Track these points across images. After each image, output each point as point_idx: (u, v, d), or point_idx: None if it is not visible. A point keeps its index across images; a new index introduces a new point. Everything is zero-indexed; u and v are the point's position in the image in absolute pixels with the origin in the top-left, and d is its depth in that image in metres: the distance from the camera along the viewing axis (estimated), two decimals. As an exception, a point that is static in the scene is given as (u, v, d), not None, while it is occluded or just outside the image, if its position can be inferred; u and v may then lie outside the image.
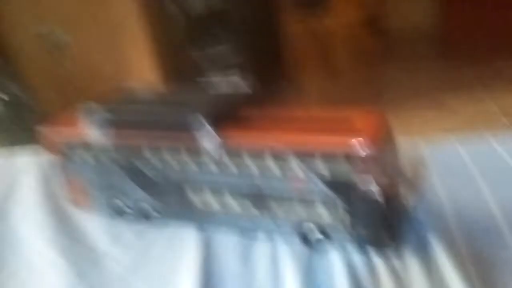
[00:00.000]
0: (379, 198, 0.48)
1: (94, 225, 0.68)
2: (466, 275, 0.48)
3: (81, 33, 2.01)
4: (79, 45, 2.01)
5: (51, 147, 0.68)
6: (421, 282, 0.49)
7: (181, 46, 2.22)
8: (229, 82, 0.62)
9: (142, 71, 2.06)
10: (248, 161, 0.54)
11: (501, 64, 2.25)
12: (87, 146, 0.64)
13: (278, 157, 0.52)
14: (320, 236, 0.54)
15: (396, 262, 0.51)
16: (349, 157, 0.48)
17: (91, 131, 0.62)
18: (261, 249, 0.57)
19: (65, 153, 0.67)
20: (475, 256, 0.51)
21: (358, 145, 0.47)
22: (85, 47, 2.04)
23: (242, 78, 0.62)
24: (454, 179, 0.63)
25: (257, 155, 0.54)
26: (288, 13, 2.56)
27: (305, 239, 0.56)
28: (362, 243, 0.53)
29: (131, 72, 2.08)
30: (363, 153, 0.47)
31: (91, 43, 2.04)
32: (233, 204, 0.58)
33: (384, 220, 0.50)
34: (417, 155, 0.65)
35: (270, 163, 0.53)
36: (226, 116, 0.57)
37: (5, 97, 1.70)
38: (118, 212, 0.68)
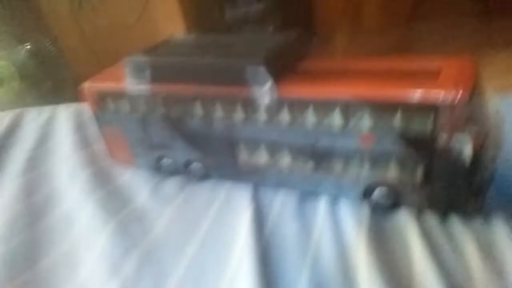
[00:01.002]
0: (465, 156, 0.43)
1: (133, 177, 0.65)
2: None
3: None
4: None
5: (93, 100, 0.64)
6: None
7: (211, 3, 2.15)
8: (287, 35, 0.56)
9: (172, 30, 2.00)
10: (311, 116, 0.49)
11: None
12: (131, 100, 0.60)
13: (346, 109, 0.47)
14: (390, 198, 0.50)
15: (481, 230, 0.46)
16: (433, 109, 0.42)
17: (136, 84, 0.57)
18: (319, 206, 0.53)
19: (107, 106, 0.63)
20: None
21: (445, 94, 0.41)
22: (113, 3, 2.00)
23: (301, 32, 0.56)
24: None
25: (321, 108, 0.48)
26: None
27: (373, 202, 0.51)
28: (440, 208, 0.48)
29: (160, 31, 2.03)
30: (453, 102, 0.41)
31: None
32: (292, 163, 0.54)
33: (468, 181, 0.45)
34: (494, 108, 0.59)
35: (336, 117, 0.48)
36: (287, 66, 0.52)
37: (28, 45, 1.69)
38: (163, 169, 0.64)
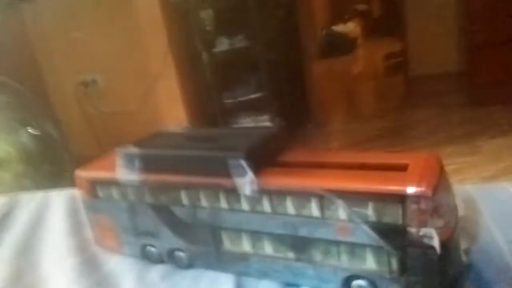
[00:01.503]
0: (436, 245, 0.44)
1: (119, 265, 0.65)
2: None
3: (112, 75, 2.09)
4: (110, 87, 2.09)
5: (84, 188, 0.67)
6: None
7: (210, 92, 2.26)
8: (267, 128, 0.60)
9: (173, 116, 2.10)
10: (290, 206, 0.52)
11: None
12: (121, 188, 0.63)
13: (322, 201, 0.49)
14: (366, 285, 0.50)
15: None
16: (400, 202, 0.44)
17: (126, 173, 0.60)
18: None
19: (97, 194, 0.66)
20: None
21: (413, 188, 0.44)
22: (117, 91, 2.11)
23: (271, 122, 0.61)
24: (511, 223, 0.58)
25: (299, 199, 0.51)
26: (313, 57, 2.60)
27: (351, 292, 0.51)
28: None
29: (161, 116, 2.12)
30: (418, 197, 0.43)
31: (122, 86, 2.11)
32: (273, 252, 0.55)
33: (441, 270, 0.45)
34: (468, 200, 0.61)
35: (314, 209, 0.50)
36: (266, 159, 0.55)
37: (35, 132, 1.74)
38: (148, 257, 0.65)
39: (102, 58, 2.09)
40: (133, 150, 0.60)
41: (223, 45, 2.22)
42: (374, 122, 2.58)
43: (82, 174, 0.67)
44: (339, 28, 2.91)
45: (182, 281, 0.60)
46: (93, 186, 0.66)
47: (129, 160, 0.60)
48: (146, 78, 2.14)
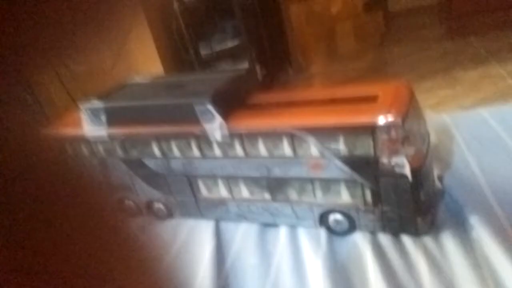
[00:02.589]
0: (407, 173, 0.44)
1: None
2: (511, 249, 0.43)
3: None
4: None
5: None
6: (460, 262, 0.44)
7: (186, 44, 2.19)
8: (235, 70, 0.58)
9: (148, 67, 2.04)
10: (261, 147, 0.50)
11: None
12: (90, 144, 0.61)
13: (293, 140, 0.48)
14: (342, 219, 0.50)
15: (429, 242, 0.47)
16: (370, 133, 0.43)
17: (93, 128, 0.58)
18: (279, 236, 0.53)
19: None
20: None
21: (381, 118, 0.43)
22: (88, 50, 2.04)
23: (249, 67, 0.58)
24: (486, 150, 0.58)
25: (270, 140, 0.50)
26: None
27: (327, 224, 0.52)
28: (390, 223, 0.48)
29: (136, 70, 2.06)
30: (387, 126, 0.42)
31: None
32: (249, 194, 0.55)
33: (413, 197, 0.45)
34: (443, 127, 0.61)
35: (285, 147, 0.49)
36: (235, 102, 0.54)
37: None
38: (125, 212, 0.64)
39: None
40: (98, 104, 0.58)
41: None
42: (354, 62, 2.55)
43: (50, 134, 0.65)
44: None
45: (162, 231, 0.60)
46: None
47: (95, 115, 0.58)
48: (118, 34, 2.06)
